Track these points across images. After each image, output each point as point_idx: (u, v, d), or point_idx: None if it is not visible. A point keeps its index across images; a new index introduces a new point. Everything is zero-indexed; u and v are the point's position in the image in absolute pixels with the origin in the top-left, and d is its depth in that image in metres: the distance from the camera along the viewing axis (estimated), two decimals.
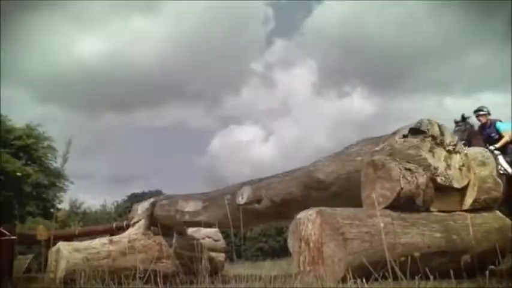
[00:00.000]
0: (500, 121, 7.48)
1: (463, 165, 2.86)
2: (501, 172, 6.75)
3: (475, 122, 7.68)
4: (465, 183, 2.87)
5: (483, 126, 7.53)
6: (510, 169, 6.87)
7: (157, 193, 13.88)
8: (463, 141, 7.10)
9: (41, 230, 5.59)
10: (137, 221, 4.66)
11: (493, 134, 7.42)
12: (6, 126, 16.75)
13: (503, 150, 7.26)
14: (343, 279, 2.13)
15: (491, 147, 7.05)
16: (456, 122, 7.54)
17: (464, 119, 7.56)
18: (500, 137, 7.34)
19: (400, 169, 2.57)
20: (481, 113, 7.57)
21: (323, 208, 2.41)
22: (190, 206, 4.37)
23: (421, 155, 2.70)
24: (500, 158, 7.08)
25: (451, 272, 1.68)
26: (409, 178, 2.57)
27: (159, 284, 2.70)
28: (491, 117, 7.57)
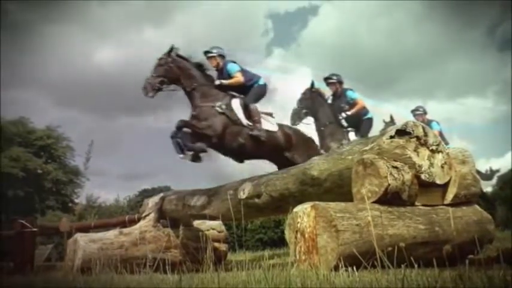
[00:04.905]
0: (351, 90, 6.49)
1: (444, 163, 2.86)
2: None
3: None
4: (447, 179, 2.87)
5: (334, 96, 6.54)
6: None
7: (166, 189, 13.84)
8: (306, 110, 6.33)
9: (64, 222, 5.61)
10: (148, 214, 4.66)
11: (343, 105, 6.38)
12: (28, 128, 16.77)
13: (357, 126, 6.33)
14: (336, 268, 2.13)
15: (343, 115, 6.27)
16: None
17: (312, 86, 6.50)
18: (354, 104, 6.36)
19: (388, 167, 2.58)
20: (331, 81, 6.50)
21: (317, 202, 2.41)
22: (196, 201, 4.37)
23: (406, 154, 2.70)
24: (352, 135, 6.24)
25: (434, 261, 1.68)
26: (395, 175, 2.57)
27: (168, 272, 2.69)
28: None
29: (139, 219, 4.70)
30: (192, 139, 4.81)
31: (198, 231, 4.68)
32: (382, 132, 2.95)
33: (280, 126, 5.31)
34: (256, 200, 3.64)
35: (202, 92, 5.00)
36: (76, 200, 17.52)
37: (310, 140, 5.68)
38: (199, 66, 5.16)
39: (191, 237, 4.56)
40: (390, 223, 2.46)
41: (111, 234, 4.41)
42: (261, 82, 5.31)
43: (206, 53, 5.29)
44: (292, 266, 2.04)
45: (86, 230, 5.12)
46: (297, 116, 6.34)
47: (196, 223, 4.93)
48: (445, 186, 2.88)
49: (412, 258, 1.75)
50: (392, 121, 7.31)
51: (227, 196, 3.84)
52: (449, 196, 2.89)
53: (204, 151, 4.82)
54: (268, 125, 5.15)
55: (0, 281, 3.38)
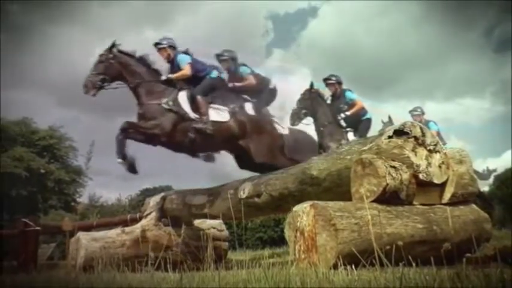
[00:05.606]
0: (350, 90, 6.42)
1: (442, 163, 2.86)
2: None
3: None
4: (444, 179, 2.87)
5: (333, 97, 6.44)
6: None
7: (168, 188, 13.84)
8: (305, 111, 6.31)
9: (66, 221, 5.61)
10: (149, 213, 4.66)
11: (342, 105, 6.30)
12: (31, 128, 16.76)
13: (356, 126, 6.27)
14: (335, 266, 2.13)
15: (342, 115, 6.22)
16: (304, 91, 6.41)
17: (311, 87, 6.43)
18: (353, 105, 6.27)
19: (386, 167, 2.58)
20: (330, 81, 6.41)
21: (316, 202, 2.42)
22: (197, 200, 4.37)
23: (404, 154, 2.70)
24: (350, 135, 6.21)
25: (432, 259, 1.68)
26: (394, 175, 2.57)
27: (169, 270, 2.69)
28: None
29: (140, 218, 4.70)
30: (139, 139, 4.55)
31: (198, 230, 4.68)
32: (381, 133, 2.95)
33: (233, 114, 4.95)
34: (256, 199, 3.64)
35: (147, 88, 4.66)
36: (78, 200, 17.52)
37: (266, 125, 5.22)
38: (144, 61, 4.80)
39: (192, 236, 4.55)
40: (388, 222, 2.46)
41: (113, 233, 4.41)
42: (214, 75, 4.97)
43: (156, 44, 4.94)
44: (291, 265, 2.04)
45: (88, 229, 5.11)
46: (296, 116, 6.36)
47: (197, 222, 4.93)
48: (443, 185, 2.88)
49: (410, 257, 1.74)
50: (390, 121, 7.30)
51: (227, 195, 3.84)
52: (447, 195, 2.89)
53: (133, 166, 4.51)
54: (217, 115, 4.83)
55: (4, 279, 3.38)
